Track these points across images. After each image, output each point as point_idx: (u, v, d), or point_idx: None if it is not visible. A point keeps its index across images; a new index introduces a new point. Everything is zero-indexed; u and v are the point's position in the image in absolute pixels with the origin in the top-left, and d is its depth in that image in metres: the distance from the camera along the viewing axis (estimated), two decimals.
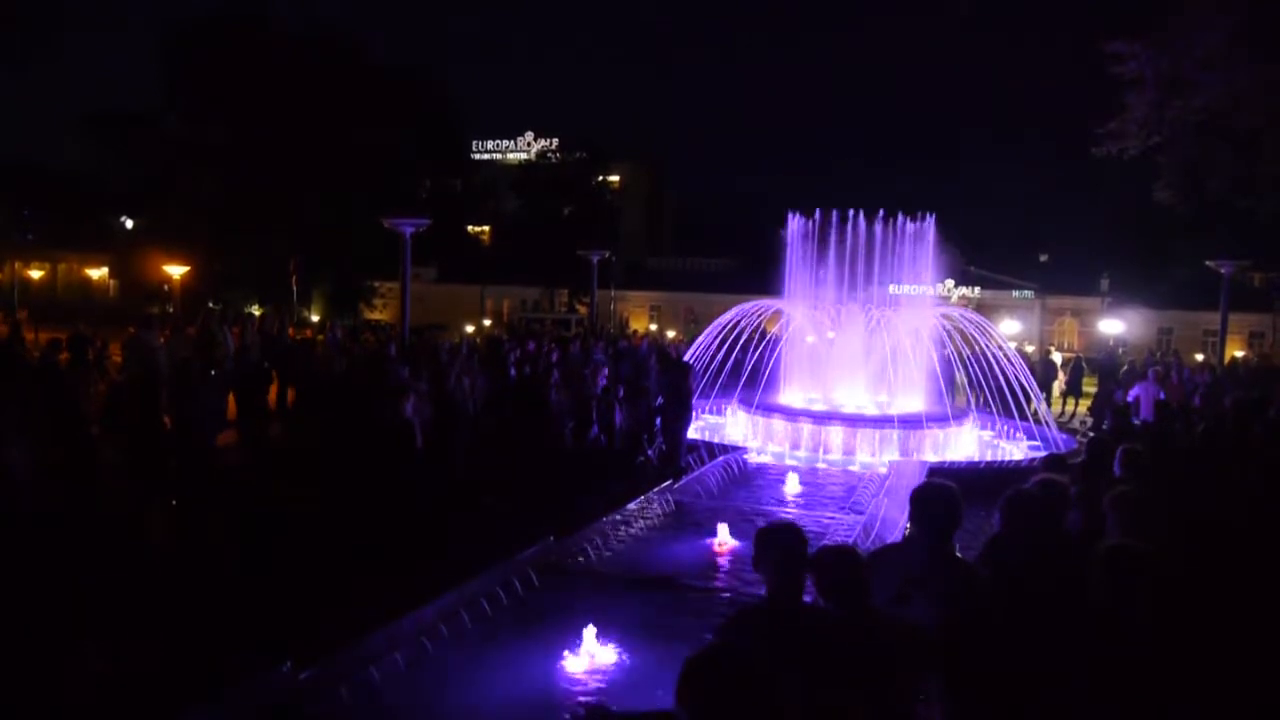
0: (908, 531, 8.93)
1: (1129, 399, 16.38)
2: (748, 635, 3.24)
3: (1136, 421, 15.59)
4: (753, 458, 14.01)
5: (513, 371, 14.58)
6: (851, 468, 13.90)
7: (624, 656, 6.21)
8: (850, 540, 8.17)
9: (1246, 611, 4.43)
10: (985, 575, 4.13)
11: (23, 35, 28.96)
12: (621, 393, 14.76)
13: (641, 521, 9.75)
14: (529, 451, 12.15)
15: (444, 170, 51.83)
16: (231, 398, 12.47)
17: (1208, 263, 22.32)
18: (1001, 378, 16.33)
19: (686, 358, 16.74)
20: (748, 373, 16.89)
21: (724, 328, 17.28)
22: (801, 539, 3.47)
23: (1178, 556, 4.40)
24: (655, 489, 10.71)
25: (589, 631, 6.22)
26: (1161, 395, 15.68)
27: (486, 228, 62.23)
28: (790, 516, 10.72)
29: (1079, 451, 12.28)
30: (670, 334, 38.11)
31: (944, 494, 4.03)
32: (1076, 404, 21.75)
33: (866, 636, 3.27)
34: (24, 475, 7.08)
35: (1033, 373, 20.68)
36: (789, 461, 14.00)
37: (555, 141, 60.83)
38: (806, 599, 3.45)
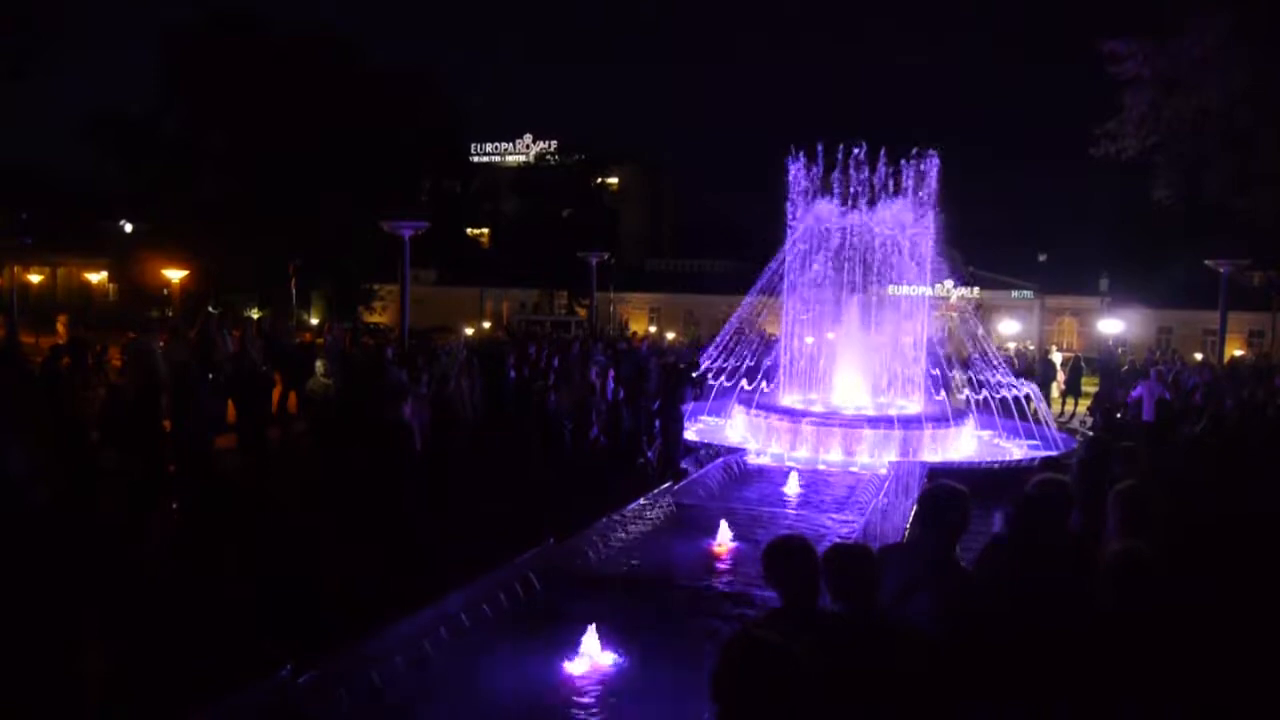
0: (909, 532, 8.93)
1: (1131, 398, 16.38)
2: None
3: (1120, 416, 15.63)
4: (753, 459, 14.01)
5: (511, 374, 14.58)
6: (852, 468, 13.89)
7: (625, 659, 6.20)
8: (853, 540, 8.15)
9: (1249, 612, 4.42)
10: (988, 576, 4.12)
11: (23, 38, 28.95)
12: (622, 394, 14.78)
13: (642, 523, 9.74)
14: (529, 453, 12.14)
15: (443, 172, 51.83)
16: (231, 401, 12.45)
17: (1206, 262, 22.33)
18: (1000, 377, 16.37)
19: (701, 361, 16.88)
20: (756, 375, 16.92)
21: (738, 325, 17.34)
22: (810, 550, 3.47)
23: (1179, 556, 4.40)
24: (655, 490, 10.70)
25: (589, 634, 6.21)
26: (1168, 395, 15.69)
27: (486, 230, 62.28)
28: (790, 517, 10.72)
29: (1078, 451, 12.29)
30: (670, 335, 38.11)
31: (954, 497, 3.99)
32: (1076, 404, 21.75)
33: (871, 637, 3.27)
34: (23, 479, 7.07)
35: (1031, 372, 20.72)
36: (789, 463, 14.00)
37: (554, 144, 60.94)
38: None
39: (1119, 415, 16.34)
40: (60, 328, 12.43)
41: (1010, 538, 4.41)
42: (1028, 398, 16.71)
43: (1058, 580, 3.85)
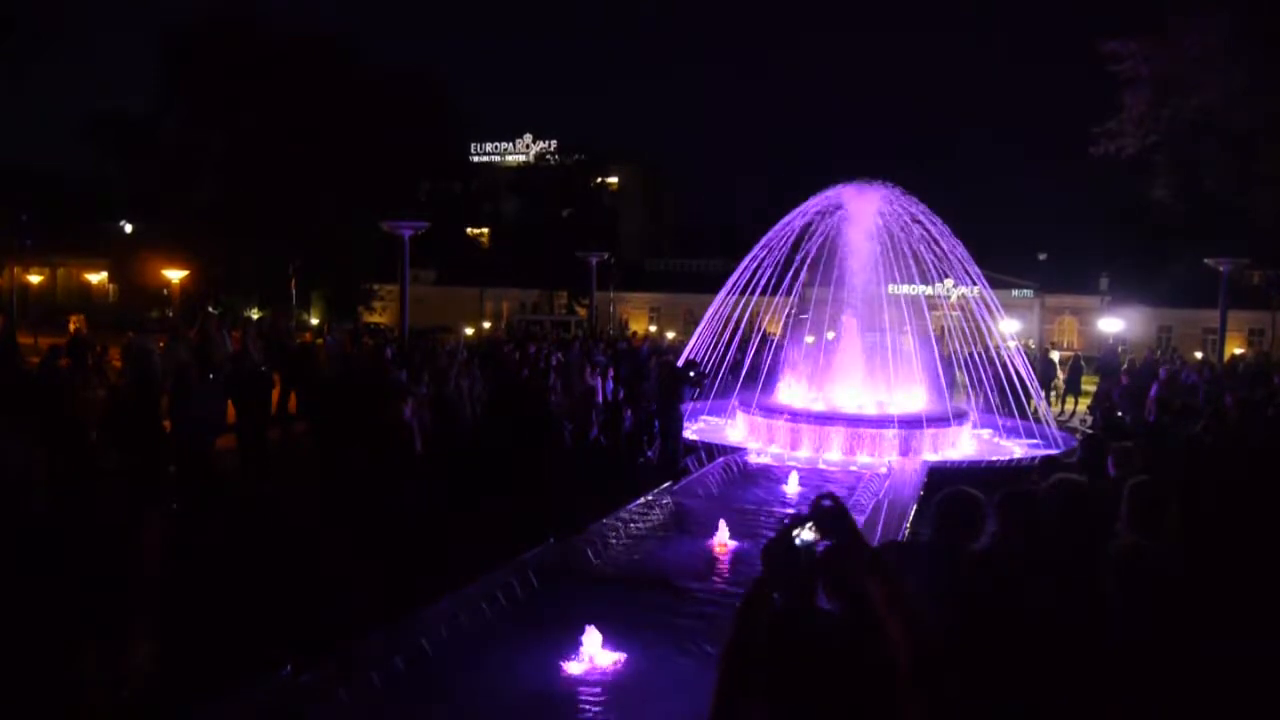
0: (910, 531, 8.93)
1: (1151, 397, 16.35)
2: (761, 631, 3.21)
3: (1121, 415, 15.63)
4: (753, 458, 14.01)
5: (511, 374, 14.58)
6: (852, 468, 13.90)
7: (625, 658, 6.20)
8: None
9: (1250, 610, 4.42)
10: (989, 576, 4.11)
11: (22, 38, 28.96)
12: (621, 394, 14.80)
13: (642, 522, 9.74)
14: (529, 453, 12.15)
15: (443, 172, 51.83)
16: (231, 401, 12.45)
17: (1206, 261, 22.34)
18: (1002, 376, 16.37)
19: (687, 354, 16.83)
20: (748, 373, 16.92)
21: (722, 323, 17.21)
22: (810, 548, 3.45)
23: (1186, 553, 4.40)
24: (655, 490, 10.70)
25: (590, 633, 6.21)
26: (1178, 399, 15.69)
27: (485, 230, 62.27)
28: (791, 516, 10.70)
29: (1077, 450, 12.29)
30: (670, 335, 38.11)
31: (971, 503, 3.97)
32: (1076, 402, 21.77)
33: (869, 637, 3.26)
34: (22, 480, 7.08)
35: (1033, 370, 20.72)
36: (790, 462, 14.00)
37: (554, 143, 60.95)
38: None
39: (1120, 415, 16.33)
40: (74, 328, 12.46)
41: (1013, 537, 4.39)
42: (1028, 397, 16.72)
43: (1059, 579, 3.85)
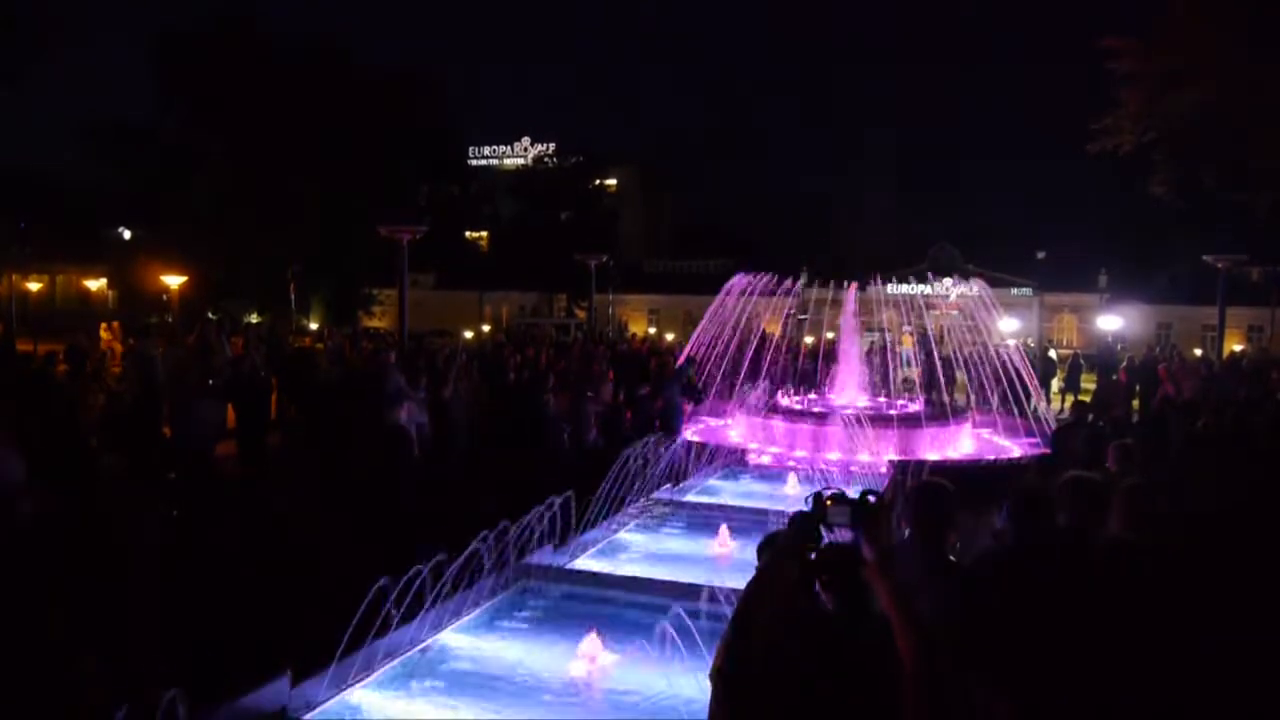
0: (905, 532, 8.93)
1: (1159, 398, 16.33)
2: (758, 633, 3.21)
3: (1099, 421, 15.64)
4: (753, 458, 14.01)
5: (511, 377, 14.59)
6: (851, 467, 13.88)
7: (625, 660, 6.19)
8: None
9: (1247, 605, 4.41)
10: (986, 574, 4.11)
11: (19, 42, 28.91)
12: (621, 395, 14.79)
13: (642, 523, 9.74)
14: (527, 456, 12.13)
15: (441, 176, 51.84)
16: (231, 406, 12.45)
17: (1205, 257, 22.33)
18: (1001, 374, 16.39)
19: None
20: (747, 374, 16.93)
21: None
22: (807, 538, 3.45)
23: (1176, 551, 4.39)
24: (655, 491, 10.70)
25: (590, 635, 6.20)
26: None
27: (484, 233, 62.28)
28: (790, 516, 10.69)
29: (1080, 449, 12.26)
30: (669, 336, 38.10)
31: (937, 493, 4.00)
32: (1076, 401, 21.74)
33: (867, 635, 3.26)
34: (19, 484, 7.07)
35: (1033, 369, 20.73)
36: (789, 462, 13.99)
37: (552, 146, 60.98)
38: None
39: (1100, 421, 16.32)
40: (105, 334, 12.49)
41: (1016, 536, 4.40)
42: (1027, 396, 16.74)
43: (1056, 577, 3.84)
